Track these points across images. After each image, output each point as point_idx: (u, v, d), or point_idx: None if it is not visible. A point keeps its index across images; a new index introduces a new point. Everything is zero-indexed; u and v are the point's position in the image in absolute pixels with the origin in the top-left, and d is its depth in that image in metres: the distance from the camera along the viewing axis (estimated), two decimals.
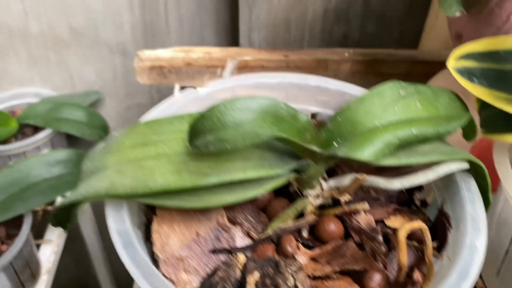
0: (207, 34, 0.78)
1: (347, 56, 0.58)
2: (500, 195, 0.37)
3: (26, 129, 0.76)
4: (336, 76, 0.58)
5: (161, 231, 0.26)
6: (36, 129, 0.75)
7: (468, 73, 0.26)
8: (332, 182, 0.28)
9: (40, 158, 0.65)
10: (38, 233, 0.69)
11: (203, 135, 0.23)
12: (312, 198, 0.28)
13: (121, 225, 0.24)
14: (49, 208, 0.71)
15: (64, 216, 0.27)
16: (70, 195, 0.25)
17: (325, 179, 0.29)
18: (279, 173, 0.24)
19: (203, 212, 0.27)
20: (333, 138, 0.25)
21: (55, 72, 0.80)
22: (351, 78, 0.59)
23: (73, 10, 0.73)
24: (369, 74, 0.58)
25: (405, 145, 0.25)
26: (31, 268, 0.65)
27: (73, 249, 0.96)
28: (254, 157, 0.25)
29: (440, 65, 0.59)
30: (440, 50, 0.61)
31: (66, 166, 0.66)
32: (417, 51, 0.60)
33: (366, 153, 0.23)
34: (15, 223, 0.62)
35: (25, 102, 0.80)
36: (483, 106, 0.29)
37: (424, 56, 0.59)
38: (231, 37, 0.77)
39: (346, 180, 0.28)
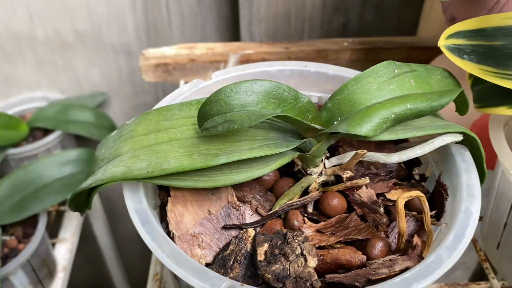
0: (209, 30, 0.79)
1: (346, 45, 0.60)
2: (497, 169, 0.38)
3: (37, 132, 0.78)
4: (337, 65, 0.59)
5: (175, 210, 0.28)
6: (46, 132, 0.78)
7: (458, 50, 0.28)
8: (334, 160, 0.30)
9: (52, 159, 0.67)
10: (52, 233, 0.71)
11: (212, 118, 0.25)
12: (316, 175, 0.30)
13: (138, 205, 0.26)
14: (62, 208, 0.73)
15: (81, 201, 0.29)
16: (88, 181, 0.27)
17: (327, 158, 0.31)
18: (283, 151, 0.26)
19: (214, 192, 0.29)
20: (333, 117, 0.27)
21: (62, 75, 0.82)
22: (351, 66, 0.61)
23: (77, 14, 0.75)
24: (368, 62, 0.59)
25: (401, 120, 0.26)
26: (48, 265, 0.67)
27: (87, 250, 0.98)
28: (260, 138, 0.27)
29: (438, 50, 0.60)
30: (437, 36, 0.62)
31: (77, 165, 0.68)
32: (415, 37, 0.62)
33: (364, 128, 0.25)
34: (31, 223, 0.64)
35: (34, 106, 0.82)
36: (475, 82, 0.31)
37: (422, 42, 0.60)
38: (232, 32, 0.79)
39: (347, 157, 0.29)
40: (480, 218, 0.46)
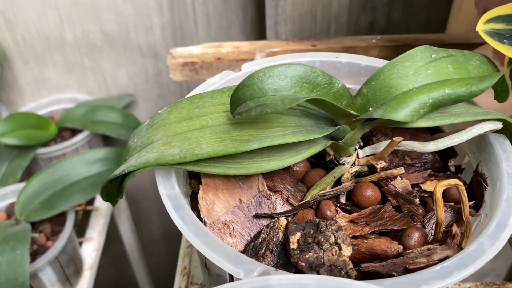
0: (234, 31, 0.79)
1: (374, 42, 0.59)
2: None
3: (65, 132, 0.79)
4: None
5: (206, 198, 0.27)
6: (74, 132, 0.79)
7: (498, 35, 0.27)
8: (368, 150, 0.29)
9: (80, 157, 0.68)
10: (79, 232, 0.72)
11: (245, 102, 0.24)
12: (349, 165, 0.29)
13: (171, 191, 0.26)
14: (89, 207, 0.74)
15: (113, 190, 0.29)
16: (121, 167, 0.27)
17: (361, 147, 0.30)
18: (316, 138, 0.25)
19: (245, 181, 0.29)
20: (368, 103, 0.26)
21: (90, 77, 0.84)
22: None
23: (105, 16, 0.76)
24: None
25: (439, 105, 0.25)
26: (75, 263, 0.68)
27: (112, 251, 0.99)
28: (292, 125, 0.26)
29: (468, 47, 0.59)
30: (467, 33, 0.61)
31: (105, 164, 0.69)
32: (445, 34, 0.61)
33: (401, 113, 0.24)
34: (59, 220, 0.65)
35: (62, 107, 0.84)
36: None
37: (452, 39, 0.59)
38: (258, 33, 0.79)
39: (382, 146, 0.29)
40: None
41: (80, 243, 0.72)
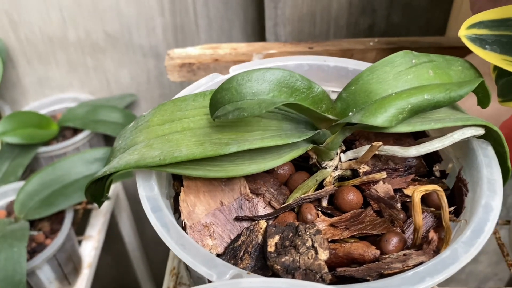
0: (235, 33, 0.80)
1: (372, 45, 0.59)
2: None
3: (66, 131, 0.80)
4: None
5: (188, 200, 0.28)
6: (75, 131, 0.80)
7: (480, 41, 0.27)
8: (350, 154, 0.29)
9: (80, 157, 0.68)
10: (79, 230, 0.72)
11: (223, 106, 0.25)
12: (331, 169, 0.29)
13: (150, 192, 0.26)
14: (89, 206, 0.75)
15: (99, 190, 0.29)
16: (103, 169, 0.28)
17: (343, 151, 0.30)
18: (296, 142, 0.25)
19: (227, 183, 0.29)
20: (348, 108, 0.27)
21: (92, 76, 0.85)
22: None
23: (108, 16, 0.77)
24: None
25: (418, 110, 0.25)
26: (73, 261, 0.68)
27: (113, 249, 1.00)
28: (272, 128, 0.27)
29: (466, 50, 0.59)
30: None
31: (104, 163, 0.69)
32: (443, 37, 0.60)
33: (379, 119, 0.24)
34: (58, 219, 0.66)
35: (65, 106, 0.85)
36: (500, 76, 0.30)
37: (450, 42, 0.59)
38: (258, 35, 0.79)
39: (363, 150, 0.29)
40: (508, 222, 0.44)
41: (80, 242, 0.72)
